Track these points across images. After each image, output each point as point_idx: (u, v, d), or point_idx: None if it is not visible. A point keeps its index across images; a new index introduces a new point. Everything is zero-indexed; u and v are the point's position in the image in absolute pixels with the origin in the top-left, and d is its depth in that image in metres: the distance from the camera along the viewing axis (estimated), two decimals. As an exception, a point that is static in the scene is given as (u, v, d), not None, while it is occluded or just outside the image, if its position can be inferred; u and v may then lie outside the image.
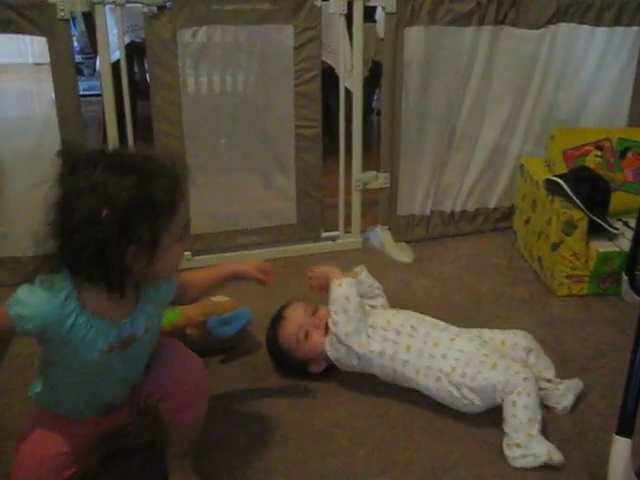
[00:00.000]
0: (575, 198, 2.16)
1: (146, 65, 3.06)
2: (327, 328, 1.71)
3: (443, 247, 2.60)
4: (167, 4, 2.15)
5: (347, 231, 2.59)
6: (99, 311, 1.16)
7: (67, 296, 1.13)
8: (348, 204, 2.57)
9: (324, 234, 2.56)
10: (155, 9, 2.15)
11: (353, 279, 1.75)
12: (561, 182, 2.22)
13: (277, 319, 1.79)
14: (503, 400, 1.52)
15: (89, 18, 2.77)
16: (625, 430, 1.30)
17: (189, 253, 2.38)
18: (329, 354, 1.70)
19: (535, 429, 1.48)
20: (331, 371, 1.76)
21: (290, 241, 2.52)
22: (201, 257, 2.39)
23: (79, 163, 1.11)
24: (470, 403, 1.56)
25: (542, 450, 1.46)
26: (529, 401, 1.49)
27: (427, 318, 1.73)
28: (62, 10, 2.06)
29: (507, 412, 1.51)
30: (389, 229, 2.62)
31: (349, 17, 2.37)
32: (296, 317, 1.76)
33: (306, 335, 1.72)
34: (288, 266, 2.40)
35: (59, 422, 1.27)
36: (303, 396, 1.71)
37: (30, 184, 2.21)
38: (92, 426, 1.31)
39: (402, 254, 2.51)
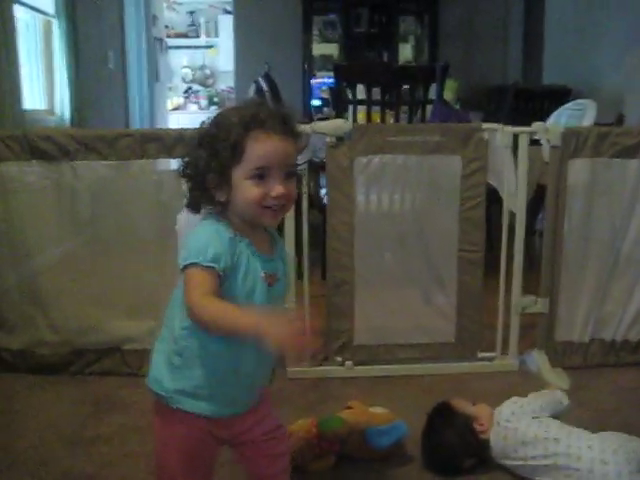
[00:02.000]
0: None
1: (319, 181, 3.33)
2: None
3: (602, 377, 2.54)
4: (346, 135, 2.40)
5: (504, 352, 2.62)
6: (250, 241, 1.33)
7: (224, 225, 1.32)
8: (506, 325, 2.61)
9: (481, 354, 2.60)
10: (335, 139, 2.41)
11: None
12: None
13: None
14: None
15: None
16: None
17: (351, 362, 2.52)
18: (492, 438, 1.88)
19: None
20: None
21: (447, 358, 2.58)
22: (361, 367, 2.53)
23: None
24: None
25: None
26: None
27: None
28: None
29: None
30: (546, 354, 2.62)
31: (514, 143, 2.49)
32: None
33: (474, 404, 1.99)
34: (445, 382, 2.46)
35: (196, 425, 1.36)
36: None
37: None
38: (221, 429, 1.39)
39: (559, 380, 2.49)
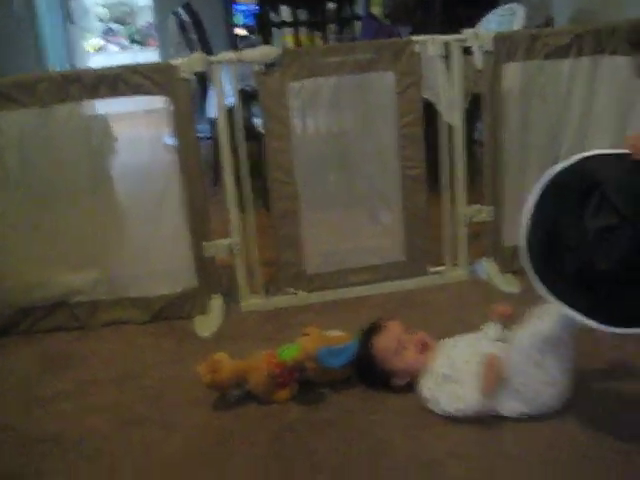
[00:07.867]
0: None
1: (251, 110, 3.24)
2: (422, 348, 1.86)
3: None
4: (275, 62, 2.32)
5: (454, 264, 2.65)
6: None
7: None
8: (454, 236, 2.63)
9: (431, 269, 2.63)
10: (264, 67, 2.32)
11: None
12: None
13: (376, 327, 1.93)
14: None
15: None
16: None
17: (305, 293, 2.54)
18: (423, 393, 1.82)
19: None
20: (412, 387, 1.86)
21: (399, 277, 2.60)
22: (315, 294, 2.54)
23: None
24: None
25: None
26: None
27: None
28: (184, 71, 2.26)
29: None
30: (495, 260, 2.66)
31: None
32: (396, 330, 1.90)
33: (402, 349, 1.87)
34: (396, 300, 2.49)
35: None
36: (416, 425, 1.77)
37: (155, 228, 2.45)
38: None
39: (509, 285, 2.55)
